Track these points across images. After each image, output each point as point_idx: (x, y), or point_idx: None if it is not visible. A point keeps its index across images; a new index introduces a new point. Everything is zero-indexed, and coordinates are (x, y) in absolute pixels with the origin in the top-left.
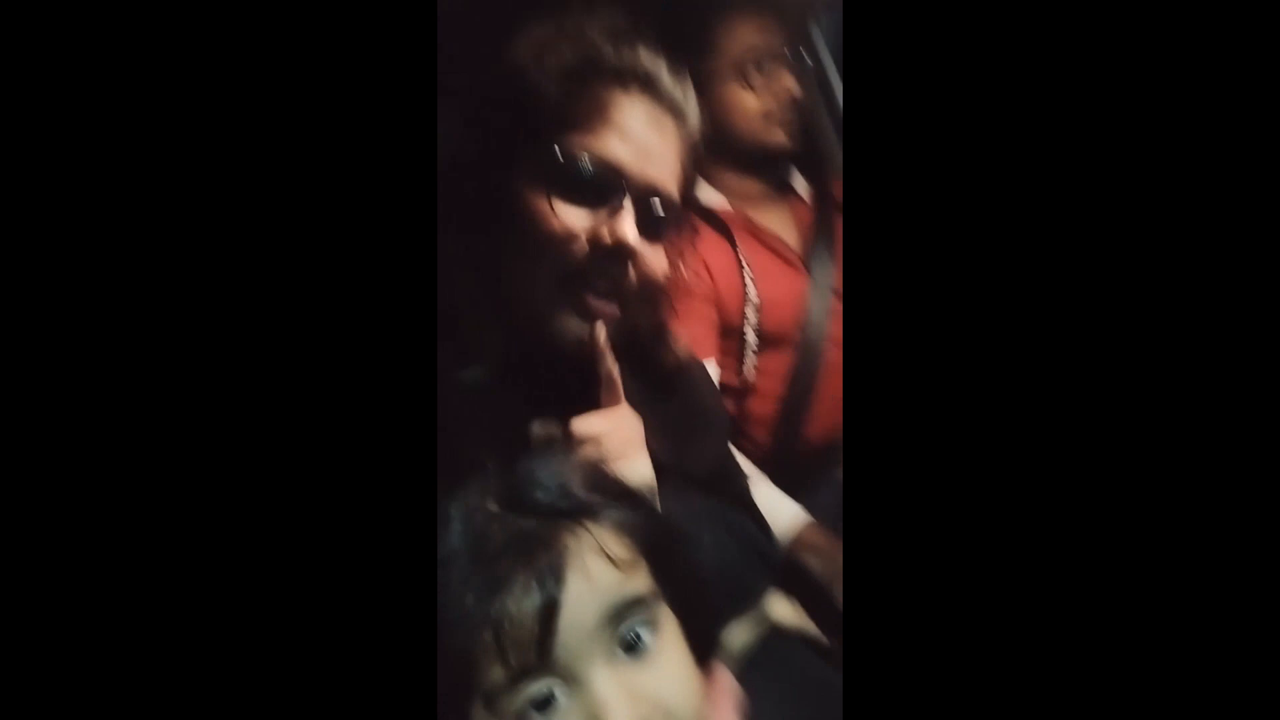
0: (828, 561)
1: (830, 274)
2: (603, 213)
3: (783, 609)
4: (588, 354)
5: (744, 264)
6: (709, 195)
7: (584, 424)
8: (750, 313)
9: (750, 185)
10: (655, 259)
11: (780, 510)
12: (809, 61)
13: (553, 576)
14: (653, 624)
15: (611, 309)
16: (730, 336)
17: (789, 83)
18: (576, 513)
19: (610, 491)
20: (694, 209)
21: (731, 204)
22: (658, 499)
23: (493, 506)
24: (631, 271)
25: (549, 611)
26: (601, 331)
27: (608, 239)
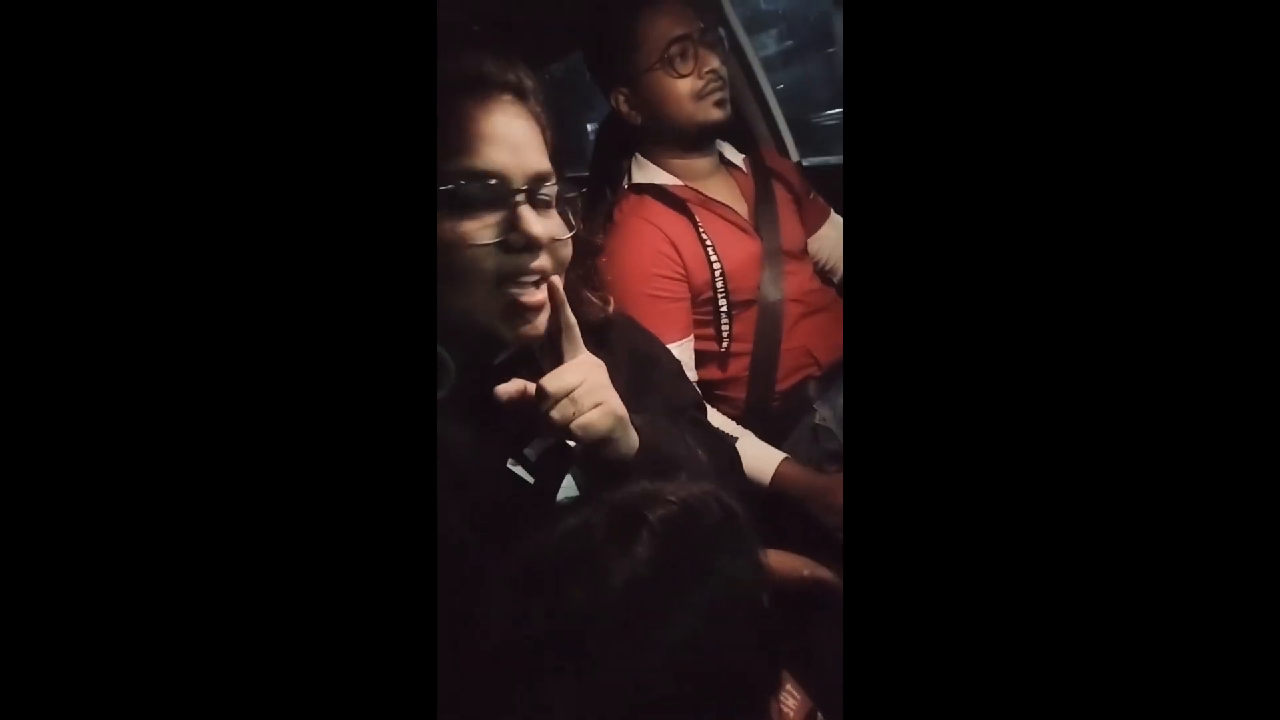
0: (806, 486)
1: (777, 236)
2: (502, 216)
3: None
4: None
5: (704, 237)
6: (662, 177)
7: (554, 380)
8: (719, 282)
9: (695, 164)
10: (562, 234)
11: (762, 457)
12: (725, 36)
13: None
14: None
15: (541, 297)
16: (704, 307)
17: (712, 60)
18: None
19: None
20: (647, 191)
21: (683, 182)
22: (631, 432)
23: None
24: (547, 256)
25: None
26: (558, 280)
27: (520, 240)
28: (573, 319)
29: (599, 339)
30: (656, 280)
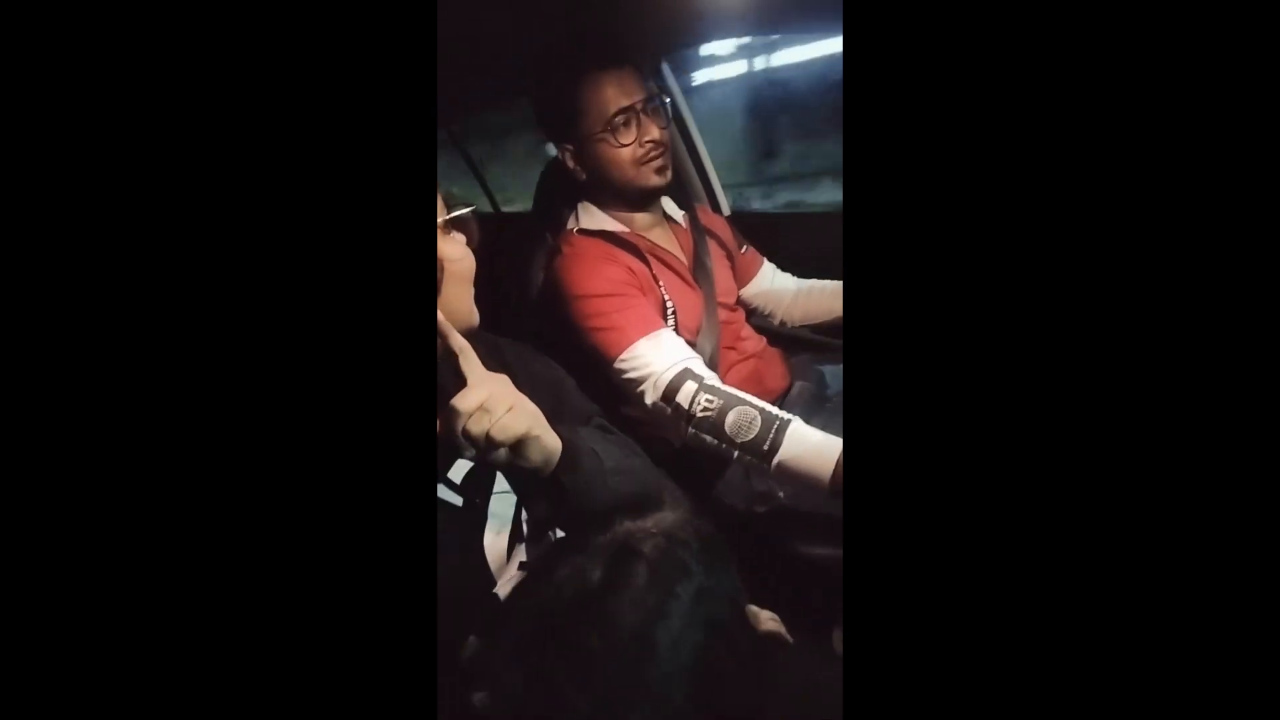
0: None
1: (713, 288)
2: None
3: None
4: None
5: (656, 276)
6: (610, 224)
7: (463, 400)
8: (671, 319)
9: (639, 216)
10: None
11: (820, 448)
12: (666, 102)
13: None
14: None
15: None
16: None
17: (653, 130)
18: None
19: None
20: (596, 234)
21: (632, 230)
22: (550, 432)
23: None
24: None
25: None
26: (440, 315)
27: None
28: (464, 342)
29: (497, 360)
30: (616, 284)
